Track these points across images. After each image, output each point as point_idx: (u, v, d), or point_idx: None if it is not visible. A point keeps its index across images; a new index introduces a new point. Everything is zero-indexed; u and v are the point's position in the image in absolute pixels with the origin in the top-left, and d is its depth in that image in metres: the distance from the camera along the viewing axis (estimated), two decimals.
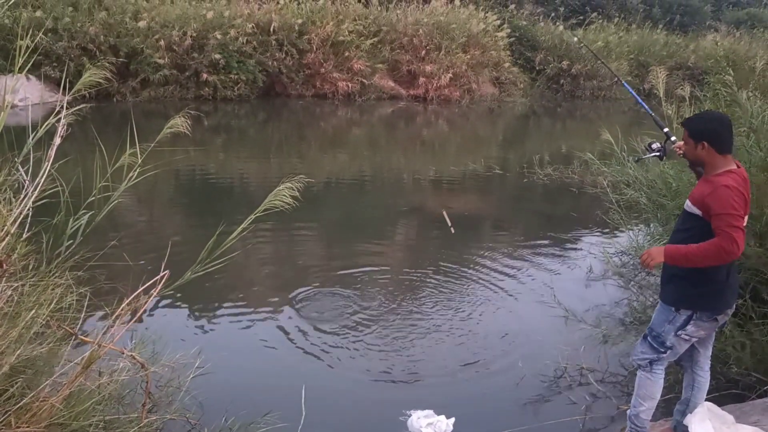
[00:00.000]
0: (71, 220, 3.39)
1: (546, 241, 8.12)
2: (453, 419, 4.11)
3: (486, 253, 7.55)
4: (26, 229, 3.09)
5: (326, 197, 10.00)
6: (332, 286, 6.38)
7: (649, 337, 3.27)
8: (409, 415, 4.17)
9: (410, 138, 16.27)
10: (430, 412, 4.18)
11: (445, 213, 6.21)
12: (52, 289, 2.88)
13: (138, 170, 3.50)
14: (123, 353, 2.86)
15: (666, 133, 3.86)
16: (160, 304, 5.55)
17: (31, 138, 3.24)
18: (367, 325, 5.53)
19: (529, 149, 14.64)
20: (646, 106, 4.41)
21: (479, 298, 6.21)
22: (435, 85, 19.69)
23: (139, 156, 3.37)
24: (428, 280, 6.66)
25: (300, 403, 4.07)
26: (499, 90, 21.38)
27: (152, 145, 3.46)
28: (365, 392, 4.62)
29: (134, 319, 2.66)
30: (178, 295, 5.51)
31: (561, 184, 10.66)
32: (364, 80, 18.95)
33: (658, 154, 3.86)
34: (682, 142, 3.53)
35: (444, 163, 13.06)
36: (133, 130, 3.53)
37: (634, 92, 4.92)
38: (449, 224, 6.19)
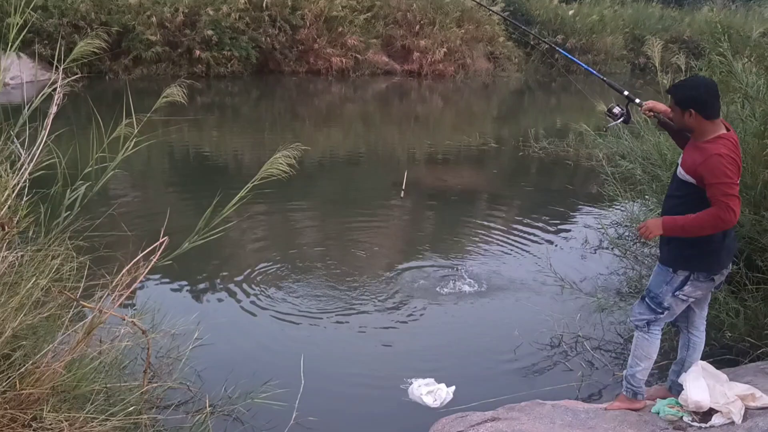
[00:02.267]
0: (68, 191, 3.38)
1: (542, 214, 8.14)
2: (453, 387, 4.16)
3: (482, 226, 7.58)
4: (23, 200, 3.08)
5: (321, 173, 10.00)
6: (330, 257, 6.41)
7: (646, 298, 3.30)
8: (410, 383, 4.22)
9: (405, 113, 16.22)
10: (431, 380, 4.23)
11: (405, 175, 6.10)
12: (52, 258, 2.88)
13: (133, 141, 3.49)
14: (124, 320, 2.88)
15: (627, 96, 3.75)
16: (159, 275, 5.58)
17: (26, 108, 3.23)
18: (366, 296, 5.56)
19: (524, 123, 14.62)
20: (596, 72, 4.30)
21: (476, 269, 6.24)
22: (429, 60, 19.59)
23: (135, 126, 3.36)
24: (425, 251, 6.69)
25: (299, 371, 4.11)
26: (493, 65, 21.28)
27: (148, 114, 3.45)
28: (365, 361, 4.66)
29: (134, 285, 2.67)
30: (176, 266, 5.46)
31: (556, 157, 10.67)
32: (358, 56, 18.82)
33: (622, 119, 3.75)
34: (652, 103, 3.49)
35: (439, 138, 13.03)
36: (129, 101, 3.51)
37: (577, 60, 4.78)
38: (402, 187, 6.09)
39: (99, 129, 3.51)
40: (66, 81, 3.35)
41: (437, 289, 5.73)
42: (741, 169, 3.16)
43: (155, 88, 15.11)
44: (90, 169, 3.48)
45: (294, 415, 3.67)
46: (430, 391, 4.11)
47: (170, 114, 10.39)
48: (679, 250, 3.18)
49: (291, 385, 3.92)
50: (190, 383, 3.79)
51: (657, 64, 6.49)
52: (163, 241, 2.74)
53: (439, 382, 4.21)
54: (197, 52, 16.67)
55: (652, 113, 3.49)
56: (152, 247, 2.76)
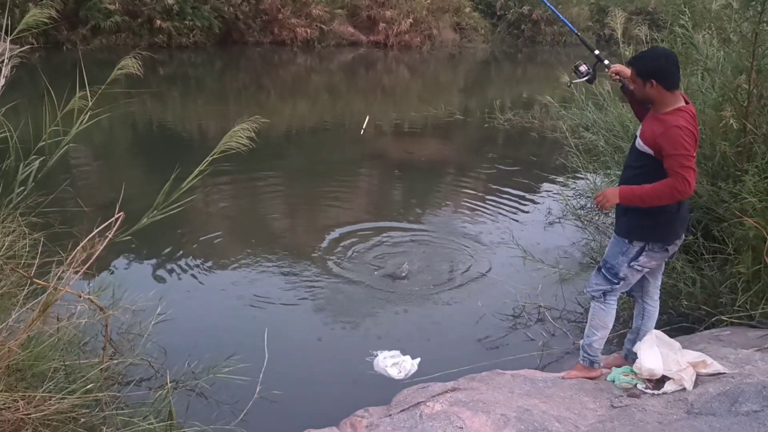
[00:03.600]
0: (21, 165, 3.30)
1: (506, 185, 8.20)
2: (418, 359, 4.18)
3: (447, 198, 7.61)
4: None
5: (287, 145, 9.91)
6: (295, 230, 6.38)
7: (603, 269, 3.35)
8: (376, 356, 4.23)
9: (371, 85, 16.12)
10: (397, 352, 4.25)
11: (367, 118, 6.02)
12: (4, 236, 2.82)
13: (89, 114, 3.40)
14: (80, 297, 2.83)
15: (597, 56, 3.77)
16: (119, 251, 5.49)
17: None
18: (330, 269, 5.56)
19: (490, 95, 14.64)
20: (572, 26, 4.30)
21: (440, 241, 6.28)
22: (395, 30, 19.48)
23: (89, 99, 3.27)
24: (390, 224, 6.70)
25: (263, 346, 4.11)
26: (459, 36, 21.25)
27: (102, 87, 3.36)
28: (330, 334, 4.66)
29: (90, 261, 2.62)
30: (137, 242, 5.39)
31: (521, 129, 10.72)
32: (323, 26, 18.61)
33: (587, 77, 3.75)
34: (618, 67, 3.52)
35: (405, 109, 12.99)
36: (83, 74, 3.41)
37: (555, 10, 4.73)
38: (363, 126, 6.01)
39: (53, 102, 3.42)
40: (16, 52, 3.24)
41: (403, 262, 5.75)
42: (698, 141, 3.21)
43: (115, 59, 14.69)
44: (44, 143, 3.39)
45: (258, 389, 3.68)
46: (395, 363, 4.14)
47: (131, 86, 10.18)
48: (634, 221, 3.23)
49: (255, 359, 3.91)
50: (152, 359, 3.77)
51: (619, 36, 6.53)
52: (118, 217, 2.69)
53: (404, 355, 4.23)
54: (158, 22, 16.30)
55: (617, 77, 3.51)
56: (108, 222, 2.71)
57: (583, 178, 6.82)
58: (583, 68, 3.73)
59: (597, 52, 3.74)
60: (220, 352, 3.91)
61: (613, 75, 3.52)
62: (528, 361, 4.27)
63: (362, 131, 6.05)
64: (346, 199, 7.56)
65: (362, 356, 4.28)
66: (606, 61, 3.67)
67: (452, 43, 20.89)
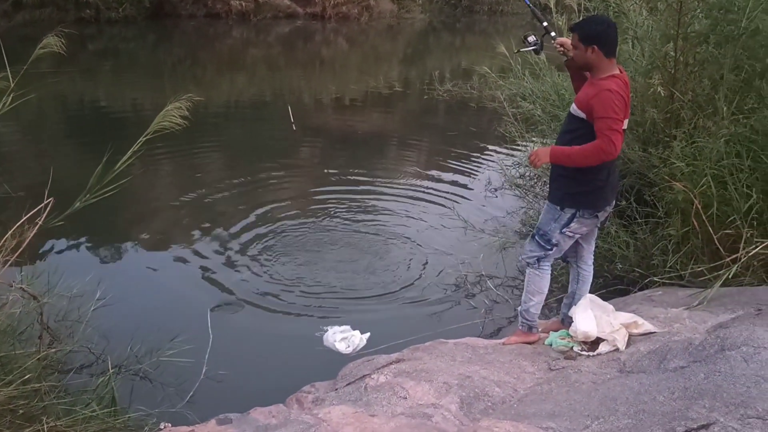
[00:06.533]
0: None
1: (447, 157, 8.28)
2: (368, 334, 4.19)
3: (388, 170, 7.63)
4: None
5: (225, 121, 9.74)
6: (234, 208, 6.29)
7: (536, 236, 3.44)
8: (326, 331, 4.24)
9: (309, 58, 15.93)
10: (347, 327, 4.24)
11: (290, 109, 5.99)
12: None
13: (13, 95, 3.26)
14: (11, 286, 2.75)
15: (545, 28, 3.85)
16: (53, 237, 5.32)
17: None
18: (273, 246, 5.52)
19: (429, 66, 14.66)
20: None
21: (382, 214, 6.31)
22: (332, 1, 19.25)
23: (11, 79, 3.13)
24: (332, 198, 6.69)
25: (207, 326, 4.08)
26: (397, 6, 21.15)
27: (24, 67, 3.22)
28: (276, 312, 4.62)
29: (20, 249, 2.54)
30: (71, 226, 5.27)
31: (461, 99, 10.79)
32: None
33: (534, 47, 3.85)
34: (563, 39, 3.59)
35: (344, 82, 12.91)
36: (2, 52, 3.26)
37: None
38: (291, 120, 6.02)
39: None
40: None
41: (343, 236, 5.76)
42: (629, 107, 3.31)
43: (40, 35, 14.09)
44: None
45: (204, 370, 3.67)
46: (344, 338, 4.14)
47: (59, 63, 9.79)
48: (565, 189, 3.32)
49: (199, 340, 3.89)
50: (92, 345, 3.70)
51: (552, 5, 6.64)
52: (48, 203, 2.61)
53: (354, 329, 4.24)
54: None
55: (562, 49, 3.58)
56: (37, 208, 2.62)
57: (522, 148, 6.94)
58: (531, 39, 3.82)
59: (545, 24, 3.82)
60: (163, 334, 3.86)
61: (559, 47, 3.58)
62: (471, 329, 4.36)
63: (293, 125, 5.99)
64: (287, 174, 7.50)
65: (311, 332, 4.28)
66: (553, 33, 3.75)
67: (390, 14, 20.79)
